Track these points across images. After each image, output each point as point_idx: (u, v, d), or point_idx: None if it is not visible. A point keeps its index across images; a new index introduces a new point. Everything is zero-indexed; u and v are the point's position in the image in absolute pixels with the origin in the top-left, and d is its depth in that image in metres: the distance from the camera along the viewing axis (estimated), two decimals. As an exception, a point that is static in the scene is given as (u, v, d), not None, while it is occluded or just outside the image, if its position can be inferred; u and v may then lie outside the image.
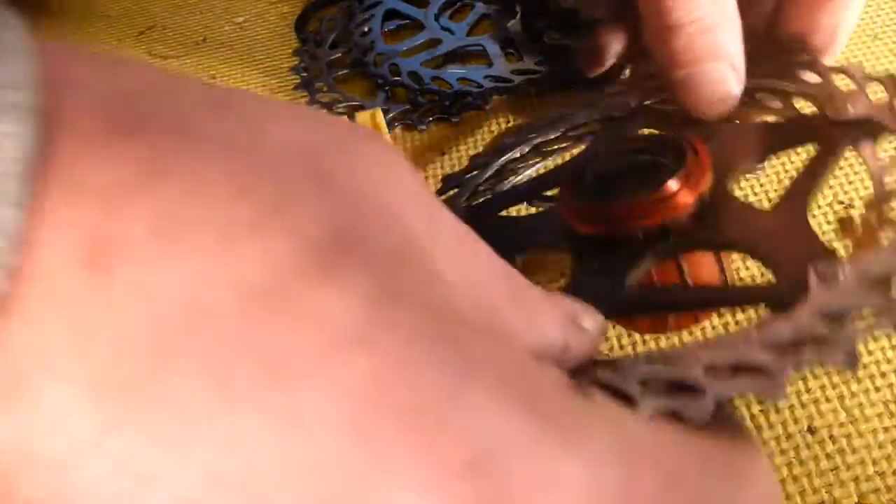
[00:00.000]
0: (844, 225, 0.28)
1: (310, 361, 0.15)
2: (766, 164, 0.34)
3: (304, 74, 0.47)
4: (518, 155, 0.36)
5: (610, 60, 0.39)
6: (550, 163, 0.37)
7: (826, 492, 0.28)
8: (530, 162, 0.37)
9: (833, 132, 0.30)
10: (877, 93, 0.30)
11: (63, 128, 0.14)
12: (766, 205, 0.35)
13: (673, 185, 0.28)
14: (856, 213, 0.31)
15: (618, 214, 0.28)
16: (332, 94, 0.45)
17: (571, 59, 0.43)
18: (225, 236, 0.15)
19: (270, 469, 0.14)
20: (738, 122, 0.33)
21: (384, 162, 0.18)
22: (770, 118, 0.33)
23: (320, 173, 0.17)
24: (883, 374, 0.31)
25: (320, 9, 0.51)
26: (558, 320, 0.20)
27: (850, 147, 0.29)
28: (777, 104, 0.33)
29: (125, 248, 0.14)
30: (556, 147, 0.36)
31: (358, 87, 0.46)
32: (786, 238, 0.27)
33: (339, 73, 0.46)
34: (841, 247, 0.29)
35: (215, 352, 0.14)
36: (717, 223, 0.29)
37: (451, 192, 0.35)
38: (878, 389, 0.31)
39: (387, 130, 0.37)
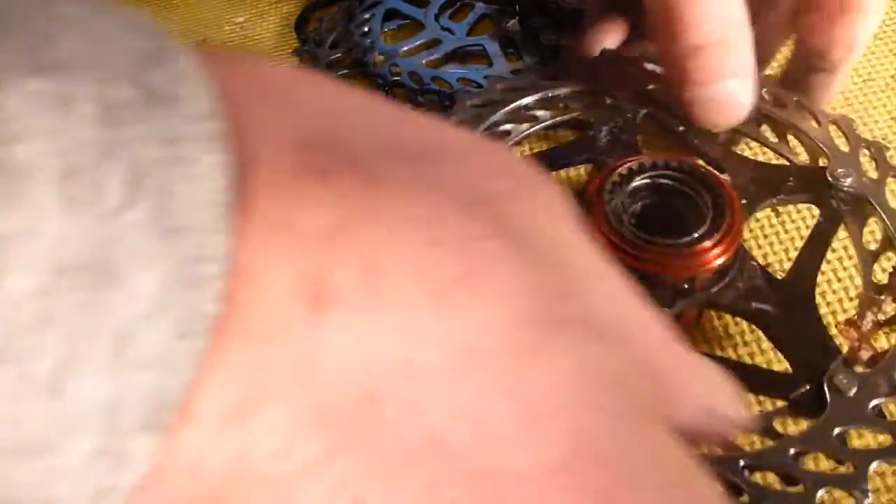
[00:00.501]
0: (849, 325, 0.31)
1: (514, 430, 0.16)
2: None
3: (304, 74, 0.47)
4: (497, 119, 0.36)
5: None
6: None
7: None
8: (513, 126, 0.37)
9: (831, 196, 0.32)
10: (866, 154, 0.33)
11: (254, 162, 0.15)
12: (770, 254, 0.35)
13: (709, 243, 0.29)
14: (853, 309, 0.31)
15: (651, 258, 0.29)
16: (332, 94, 0.45)
17: (563, 57, 0.44)
18: (432, 291, 0.15)
19: None
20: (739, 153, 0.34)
21: (561, 211, 0.19)
22: (762, 155, 0.34)
23: (513, 226, 0.17)
24: None
25: (320, 9, 0.51)
26: (705, 389, 0.21)
27: (843, 224, 0.32)
28: (773, 138, 0.34)
29: (337, 293, 0.15)
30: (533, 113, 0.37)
31: (358, 87, 0.46)
32: (795, 326, 0.29)
33: (339, 73, 0.46)
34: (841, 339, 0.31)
35: (423, 406, 0.15)
36: (736, 284, 0.30)
37: None
38: None
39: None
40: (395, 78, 0.45)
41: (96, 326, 0.13)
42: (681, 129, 0.34)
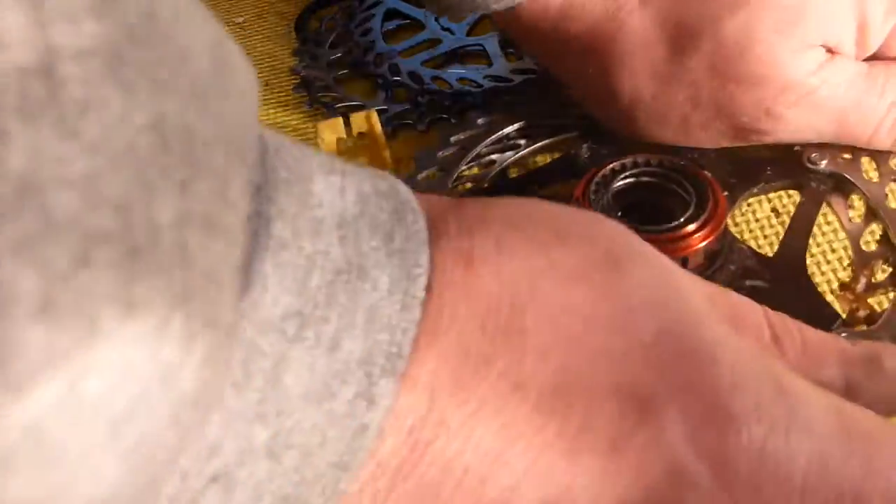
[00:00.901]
0: (844, 289, 0.32)
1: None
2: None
3: (304, 74, 0.47)
4: (494, 138, 0.38)
5: None
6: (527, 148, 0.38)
7: None
8: (509, 144, 0.38)
9: (810, 180, 0.34)
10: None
11: (440, 223, 0.23)
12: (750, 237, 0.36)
13: (692, 226, 0.31)
14: (846, 276, 0.33)
15: None
16: (332, 94, 0.45)
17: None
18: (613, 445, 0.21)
19: None
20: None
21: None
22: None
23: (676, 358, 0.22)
24: None
25: (320, 9, 0.51)
26: (837, 361, 0.25)
27: (826, 202, 0.34)
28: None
29: (481, 256, 0.22)
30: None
31: (358, 87, 0.46)
32: (792, 297, 0.31)
33: (339, 73, 0.46)
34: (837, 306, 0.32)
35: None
36: (728, 266, 0.32)
37: (430, 172, 0.37)
38: None
39: (381, 131, 0.37)
40: (395, 78, 0.45)
41: (357, 305, 0.20)
42: None
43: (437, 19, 0.48)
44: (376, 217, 0.21)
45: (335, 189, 0.21)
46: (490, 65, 0.45)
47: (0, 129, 0.14)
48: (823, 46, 0.32)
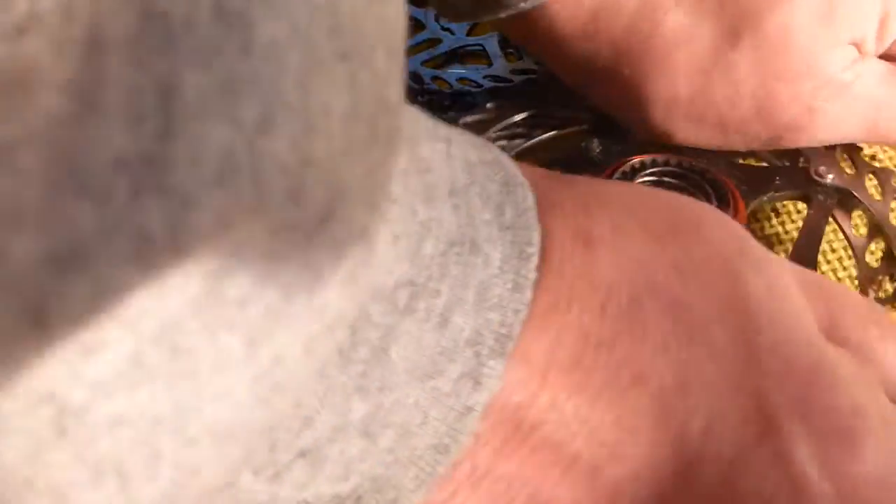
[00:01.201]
0: None
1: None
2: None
3: (305, 74, 0.47)
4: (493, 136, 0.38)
5: None
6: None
7: None
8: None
9: (817, 192, 0.35)
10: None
11: (551, 208, 0.22)
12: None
13: None
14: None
15: None
16: (333, 94, 0.45)
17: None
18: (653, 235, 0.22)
19: None
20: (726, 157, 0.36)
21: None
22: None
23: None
24: None
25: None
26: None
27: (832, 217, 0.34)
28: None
29: (599, 237, 0.22)
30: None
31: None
32: None
33: (340, 72, 0.46)
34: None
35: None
36: None
37: None
38: None
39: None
40: (395, 78, 0.45)
41: (468, 280, 0.19)
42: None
43: (437, 19, 0.48)
44: (486, 188, 0.20)
45: (442, 155, 0.20)
46: (490, 65, 0.45)
47: None
48: (853, 43, 0.33)
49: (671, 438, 0.20)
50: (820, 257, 0.34)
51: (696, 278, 0.21)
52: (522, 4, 0.33)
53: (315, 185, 0.15)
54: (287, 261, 0.15)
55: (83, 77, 0.13)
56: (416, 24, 0.48)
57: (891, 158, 0.37)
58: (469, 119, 0.37)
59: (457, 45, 0.46)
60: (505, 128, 0.37)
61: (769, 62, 0.32)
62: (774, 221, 0.37)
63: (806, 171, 0.35)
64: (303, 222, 0.15)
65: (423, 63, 0.45)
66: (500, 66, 0.45)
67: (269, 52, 0.14)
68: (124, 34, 0.13)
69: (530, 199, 0.21)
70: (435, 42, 0.47)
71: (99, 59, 0.13)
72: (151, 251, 0.13)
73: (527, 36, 0.37)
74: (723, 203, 0.31)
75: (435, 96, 0.43)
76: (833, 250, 0.35)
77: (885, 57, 0.34)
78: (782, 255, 0.36)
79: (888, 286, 0.32)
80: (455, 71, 0.45)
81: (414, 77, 0.44)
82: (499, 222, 0.20)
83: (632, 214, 0.22)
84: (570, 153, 0.38)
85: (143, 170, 0.13)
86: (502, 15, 0.34)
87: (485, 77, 0.44)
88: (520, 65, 0.45)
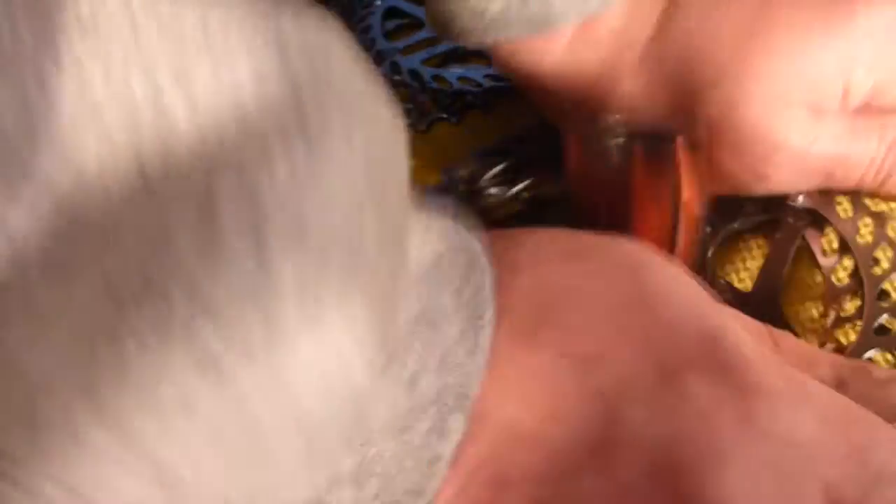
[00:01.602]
0: (814, 323, 0.33)
1: None
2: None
3: (304, 73, 0.46)
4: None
5: None
6: None
7: None
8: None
9: (787, 214, 0.35)
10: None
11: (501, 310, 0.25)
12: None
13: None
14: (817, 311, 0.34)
15: None
16: (332, 93, 0.45)
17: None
18: None
19: None
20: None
21: None
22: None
23: None
24: None
25: (320, 7, 0.51)
26: (830, 364, 0.28)
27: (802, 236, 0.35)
28: None
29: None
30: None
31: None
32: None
33: (339, 71, 0.46)
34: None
35: None
36: None
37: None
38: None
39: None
40: (396, 77, 0.44)
41: (431, 349, 0.23)
42: None
43: (437, 17, 0.48)
44: (449, 274, 0.24)
45: (418, 244, 0.24)
46: (490, 64, 0.45)
47: None
48: (808, 106, 0.33)
49: (591, 393, 0.24)
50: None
51: (599, 279, 0.26)
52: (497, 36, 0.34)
53: None
54: None
55: None
56: (415, 23, 0.48)
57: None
58: (463, 173, 0.39)
59: (457, 44, 0.46)
60: (497, 175, 0.39)
61: (718, 135, 0.33)
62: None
63: (776, 195, 0.35)
64: None
65: (423, 62, 0.45)
66: (501, 65, 0.45)
67: None
68: None
69: (487, 281, 0.25)
70: (434, 40, 0.47)
71: None
72: None
73: (512, 71, 0.38)
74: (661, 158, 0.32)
75: (436, 95, 0.43)
76: (797, 269, 0.35)
77: (863, 109, 0.34)
78: (746, 278, 0.36)
79: (849, 305, 0.33)
80: (455, 70, 0.45)
81: (415, 76, 0.44)
82: (457, 302, 0.24)
83: (548, 246, 0.27)
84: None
85: None
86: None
87: (485, 77, 0.44)
88: (520, 64, 0.45)
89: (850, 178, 0.34)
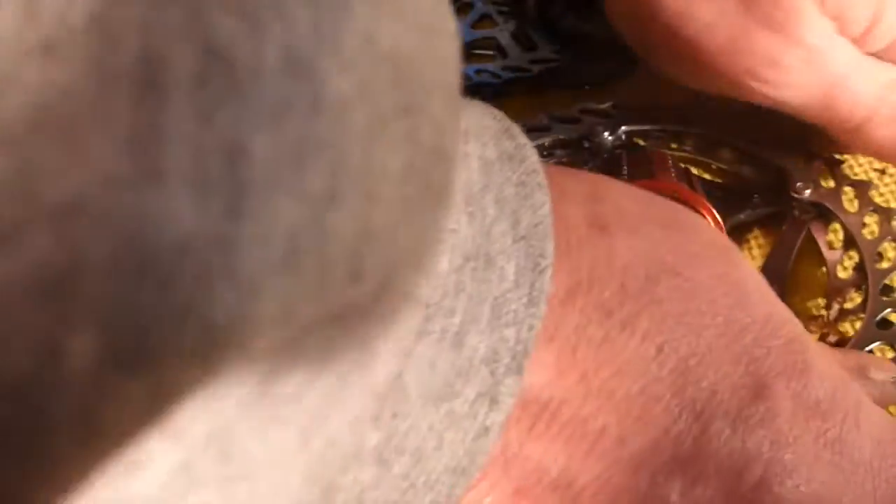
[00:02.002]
0: (817, 316, 0.34)
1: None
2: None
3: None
4: None
5: None
6: None
7: None
8: None
9: (793, 208, 0.36)
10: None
11: (559, 198, 0.22)
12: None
13: None
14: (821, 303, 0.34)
15: None
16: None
17: (589, 50, 0.44)
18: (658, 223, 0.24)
19: None
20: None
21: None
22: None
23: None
24: None
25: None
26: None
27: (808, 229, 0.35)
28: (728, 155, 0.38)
29: (615, 221, 0.23)
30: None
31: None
32: None
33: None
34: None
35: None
36: None
37: None
38: None
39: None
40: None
41: (484, 296, 0.19)
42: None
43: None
44: (502, 191, 0.20)
45: (460, 155, 0.19)
46: (505, 56, 0.45)
47: None
48: (835, 19, 0.33)
49: (686, 404, 0.21)
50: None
51: (699, 260, 0.23)
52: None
53: (373, 261, 0.14)
54: (343, 346, 0.15)
55: (139, 128, 0.11)
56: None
57: (866, 172, 0.37)
58: None
59: (469, 39, 0.46)
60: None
61: (753, 5, 0.32)
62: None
63: (784, 187, 0.36)
64: (360, 301, 0.14)
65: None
66: (516, 56, 0.45)
67: (338, 111, 0.12)
68: (185, 75, 0.11)
69: (547, 205, 0.21)
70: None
71: (157, 106, 0.11)
72: (213, 347, 0.12)
73: None
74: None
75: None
76: (803, 262, 0.35)
77: (878, 55, 0.34)
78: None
79: (856, 297, 0.33)
80: (473, 66, 0.45)
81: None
82: (513, 233, 0.20)
83: (636, 205, 0.24)
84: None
85: (210, 251, 0.11)
86: None
87: (504, 69, 0.44)
88: (536, 54, 0.45)
89: (848, 112, 0.33)
